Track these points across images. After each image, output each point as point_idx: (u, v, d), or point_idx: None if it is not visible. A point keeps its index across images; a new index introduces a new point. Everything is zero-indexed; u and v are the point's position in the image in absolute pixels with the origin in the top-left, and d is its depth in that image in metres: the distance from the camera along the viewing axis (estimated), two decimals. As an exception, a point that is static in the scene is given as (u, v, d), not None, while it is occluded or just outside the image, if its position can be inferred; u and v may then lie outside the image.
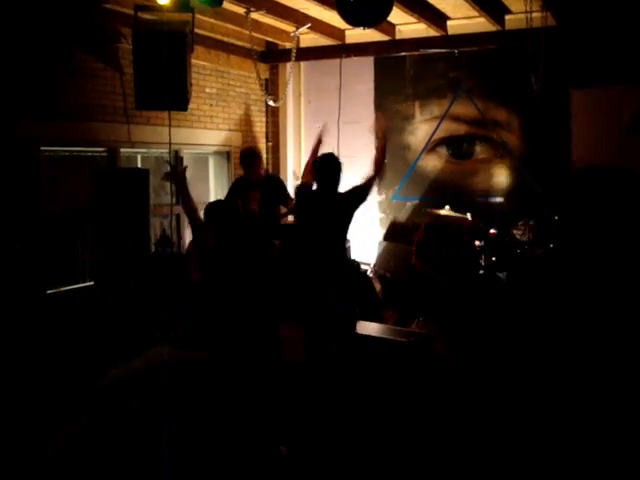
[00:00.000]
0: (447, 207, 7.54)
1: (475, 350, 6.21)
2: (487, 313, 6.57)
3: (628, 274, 6.32)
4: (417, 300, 7.08)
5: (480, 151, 8.19)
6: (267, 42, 8.66)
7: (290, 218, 7.63)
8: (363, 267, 8.09)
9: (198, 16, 6.34)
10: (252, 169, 7.10)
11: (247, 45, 7.68)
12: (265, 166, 9.13)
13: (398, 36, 8.22)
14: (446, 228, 7.13)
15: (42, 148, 6.00)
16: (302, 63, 9.04)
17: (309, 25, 7.56)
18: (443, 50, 8.06)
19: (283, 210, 7.29)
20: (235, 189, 7.29)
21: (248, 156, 7.20)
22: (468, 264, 6.93)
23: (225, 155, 8.47)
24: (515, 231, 7.17)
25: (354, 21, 5.85)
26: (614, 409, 4.70)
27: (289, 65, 8.31)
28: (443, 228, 7.13)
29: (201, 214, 5.12)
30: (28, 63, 5.74)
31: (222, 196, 8.45)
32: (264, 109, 9.14)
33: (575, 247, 6.72)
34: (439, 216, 7.42)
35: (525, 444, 4.28)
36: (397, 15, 7.03)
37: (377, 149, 5.87)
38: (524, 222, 7.01)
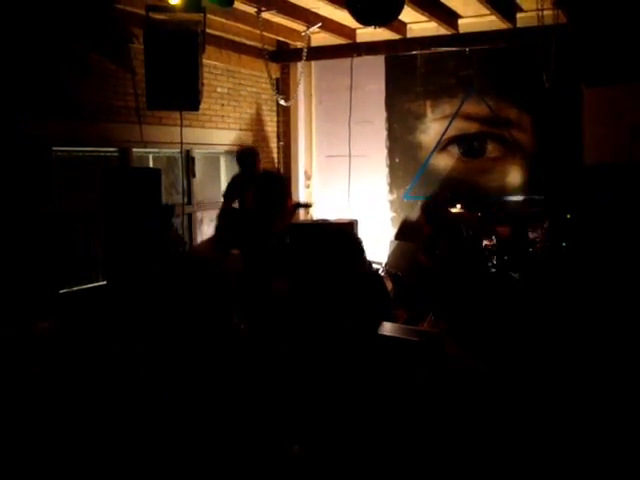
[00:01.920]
0: (458, 206, 7.53)
1: (486, 349, 6.19)
2: (499, 312, 6.54)
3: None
4: (428, 298, 7.06)
5: (491, 150, 8.17)
6: (278, 41, 8.67)
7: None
8: (375, 266, 8.08)
9: (209, 16, 6.37)
10: (253, 168, 7.06)
11: (258, 45, 7.69)
12: (276, 165, 9.15)
13: (409, 35, 8.21)
14: (446, 221, 7.08)
15: (54, 148, 6.02)
16: (313, 63, 9.04)
17: (320, 24, 7.56)
18: (454, 49, 8.04)
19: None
20: (234, 186, 7.24)
21: (249, 155, 7.15)
22: (470, 261, 6.88)
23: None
24: (528, 230, 7.15)
25: (365, 20, 5.85)
26: (627, 411, 4.68)
27: (300, 65, 8.32)
28: (443, 221, 7.09)
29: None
30: (40, 63, 5.76)
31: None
32: (275, 109, 9.15)
33: (588, 246, 6.69)
34: (440, 210, 7.38)
35: (533, 445, 4.27)
36: (408, 14, 7.02)
37: None
38: (537, 221, 6.98)
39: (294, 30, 8.06)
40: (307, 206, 7.09)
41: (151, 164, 7.27)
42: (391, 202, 8.87)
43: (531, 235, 7.08)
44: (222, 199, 7.36)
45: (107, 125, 6.48)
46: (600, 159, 7.17)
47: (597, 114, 7.46)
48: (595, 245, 6.63)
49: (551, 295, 6.47)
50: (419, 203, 8.60)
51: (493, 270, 7.05)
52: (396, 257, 8.38)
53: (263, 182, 7.12)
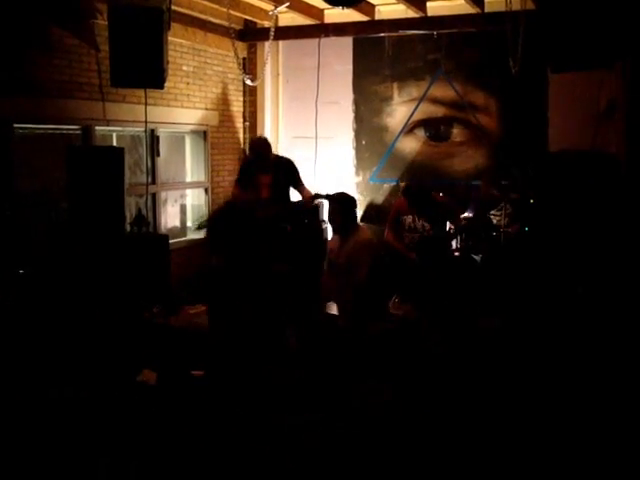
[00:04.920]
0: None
1: (450, 330, 6.26)
2: (461, 294, 6.61)
3: (601, 257, 6.38)
4: (393, 280, 7.10)
5: (457, 134, 8.20)
6: (245, 20, 8.58)
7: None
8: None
9: (175, -7, 6.27)
10: (268, 156, 6.90)
11: (225, 23, 7.59)
12: (242, 146, 9.08)
13: (377, 17, 8.17)
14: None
15: (15, 125, 5.90)
16: (280, 42, 8.96)
17: (287, 4, 7.48)
18: (422, 32, 8.02)
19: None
20: (245, 172, 7.15)
21: (264, 145, 6.99)
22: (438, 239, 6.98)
23: (202, 134, 8.40)
24: (492, 214, 7.20)
25: (333, 0, 5.80)
26: (589, 390, 4.76)
27: (267, 44, 8.23)
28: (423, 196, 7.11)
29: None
30: None
31: (198, 175, 8.44)
32: (242, 88, 9.06)
33: (549, 230, 6.77)
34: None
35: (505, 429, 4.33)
36: (377, -5, 6.99)
37: None
38: (500, 205, 7.03)
39: (261, 9, 7.98)
40: (325, 198, 6.94)
41: (115, 143, 7.17)
42: (357, 184, 8.86)
43: (495, 220, 7.14)
44: (235, 185, 7.24)
45: (69, 102, 6.36)
46: (564, 146, 7.24)
47: (562, 100, 7.52)
48: (557, 230, 6.71)
49: (511, 278, 6.55)
50: (385, 186, 8.62)
51: (456, 253, 7.12)
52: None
53: (281, 165, 7.02)
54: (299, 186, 7.02)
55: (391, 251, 7.20)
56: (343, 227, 5.68)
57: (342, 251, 5.57)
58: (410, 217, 7.12)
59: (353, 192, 8.82)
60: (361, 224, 5.85)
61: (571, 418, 4.39)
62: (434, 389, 4.90)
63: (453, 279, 6.71)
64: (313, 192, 7.04)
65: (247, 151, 8.95)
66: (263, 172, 6.85)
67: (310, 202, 6.98)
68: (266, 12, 7.89)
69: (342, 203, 5.73)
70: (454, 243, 7.17)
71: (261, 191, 6.89)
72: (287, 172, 6.98)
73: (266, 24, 8.27)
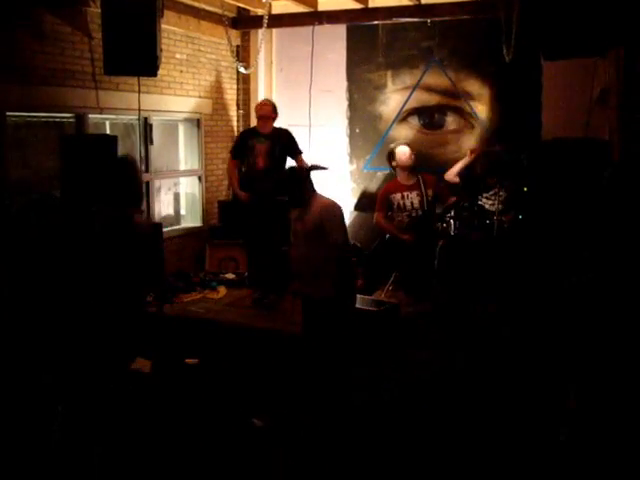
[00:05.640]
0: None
1: (439, 317, 6.31)
2: (455, 280, 6.64)
3: (596, 244, 6.40)
4: (386, 268, 7.13)
5: (451, 122, 8.20)
6: (238, 8, 8.53)
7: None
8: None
9: (168, -20, 6.25)
10: (266, 124, 6.82)
11: (218, 11, 7.58)
12: (235, 134, 9.06)
13: (371, 4, 8.15)
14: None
15: (8, 114, 5.88)
16: (274, 30, 8.92)
17: (281, -9, 7.47)
18: (416, 19, 8.00)
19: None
20: (242, 140, 7.07)
21: (265, 104, 6.93)
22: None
23: (195, 122, 8.38)
24: (484, 197, 7.21)
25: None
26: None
27: (261, 32, 8.21)
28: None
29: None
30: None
31: (192, 162, 8.43)
32: (235, 76, 9.04)
33: (543, 217, 6.78)
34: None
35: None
36: (370, -17, 6.97)
37: None
38: (494, 193, 7.04)
39: (255, -4, 7.96)
40: (323, 169, 6.84)
41: (108, 131, 7.15)
42: (351, 173, 8.86)
43: (487, 205, 7.15)
44: (230, 154, 7.22)
45: (62, 90, 6.34)
46: (557, 133, 7.25)
47: (555, 88, 7.52)
48: (551, 218, 6.73)
49: (506, 266, 6.57)
50: (378, 174, 8.62)
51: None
52: (356, 228, 8.42)
53: (279, 134, 6.90)
54: (297, 155, 6.95)
55: (383, 235, 7.23)
56: (302, 198, 5.35)
57: (306, 217, 5.22)
58: (399, 194, 7.12)
59: (347, 180, 8.86)
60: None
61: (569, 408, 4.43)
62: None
63: (449, 260, 6.74)
64: (310, 164, 6.89)
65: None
66: (260, 139, 6.77)
67: (307, 174, 6.86)
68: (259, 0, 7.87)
69: (293, 178, 5.50)
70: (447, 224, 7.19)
71: (257, 160, 6.82)
72: (285, 141, 6.87)
73: (259, 12, 8.24)
